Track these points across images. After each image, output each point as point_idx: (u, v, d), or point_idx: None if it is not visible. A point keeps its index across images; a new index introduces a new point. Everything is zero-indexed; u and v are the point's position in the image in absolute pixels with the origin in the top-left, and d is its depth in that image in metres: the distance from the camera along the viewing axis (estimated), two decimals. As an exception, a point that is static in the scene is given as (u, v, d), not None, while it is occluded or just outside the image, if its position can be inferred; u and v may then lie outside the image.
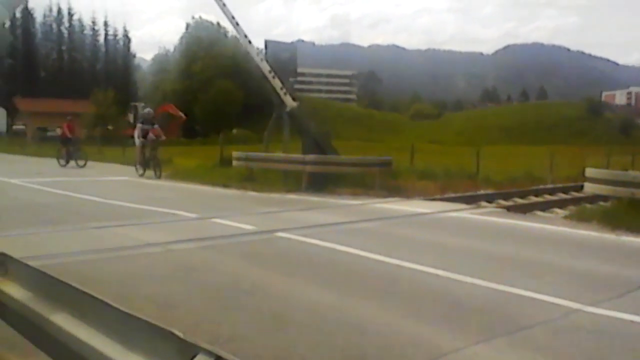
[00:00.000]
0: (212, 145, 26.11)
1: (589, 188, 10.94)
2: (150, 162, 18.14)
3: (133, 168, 19.14)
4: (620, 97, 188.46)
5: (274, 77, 16.40)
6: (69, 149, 22.86)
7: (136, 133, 18.77)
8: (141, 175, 17.92)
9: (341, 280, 5.97)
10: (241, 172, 16.21)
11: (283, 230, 8.46)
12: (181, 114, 58.34)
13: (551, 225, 9.67)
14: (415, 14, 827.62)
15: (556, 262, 6.99)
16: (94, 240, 7.68)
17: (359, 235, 8.49)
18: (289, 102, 16.33)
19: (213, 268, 6.43)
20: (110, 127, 56.11)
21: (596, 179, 10.65)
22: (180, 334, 1.70)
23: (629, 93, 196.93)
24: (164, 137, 19.53)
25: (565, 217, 10.85)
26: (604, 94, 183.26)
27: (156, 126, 18.82)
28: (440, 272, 6.15)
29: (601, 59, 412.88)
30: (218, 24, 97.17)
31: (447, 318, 4.77)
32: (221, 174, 16.78)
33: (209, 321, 4.59)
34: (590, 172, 10.97)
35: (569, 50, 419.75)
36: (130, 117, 60.90)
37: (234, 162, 16.46)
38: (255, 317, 4.71)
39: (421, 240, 8.35)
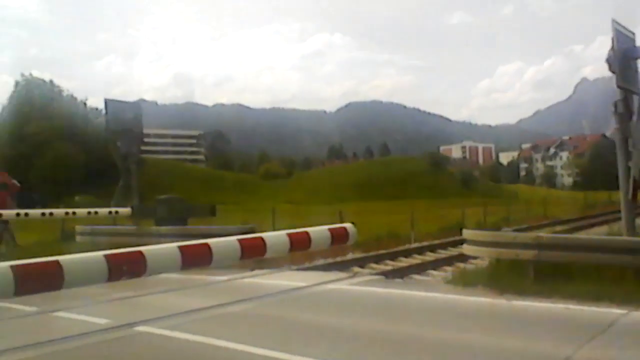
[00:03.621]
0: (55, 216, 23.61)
1: (470, 251, 10.54)
2: None
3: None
4: (456, 151, 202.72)
5: None
6: None
7: None
8: None
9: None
10: (87, 248, 14.40)
11: (144, 322, 7.09)
12: (14, 181, 53.63)
13: (436, 293, 9.07)
14: (259, 73, 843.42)
15: (464, 340, 6.26)
16: None
17: (235, 323, 7.32)
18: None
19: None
20: None
21: (476, 241, 10.26)
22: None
23: (464, 147, 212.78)
24: None
25: (448, 281, 10.33)
26: (442, 148, 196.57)
27: None
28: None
29: (435, 115, 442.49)
30: (51, 82, 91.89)
31: None
32: (64, 250, 14.82)
33: None
34: (468, 234, 10.57)
35: (405, 107, 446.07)
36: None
37: (78, 237, 14.66)
38: None
39: (307, 323, 7.31)
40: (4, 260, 11.34)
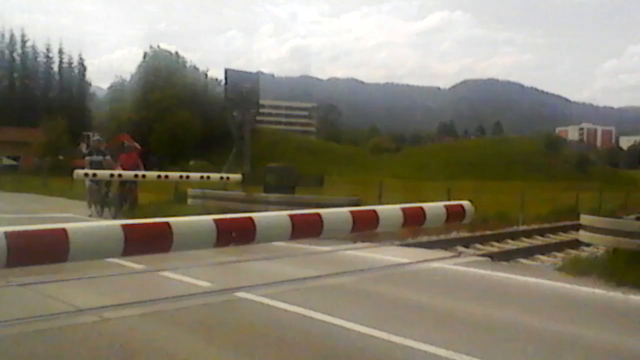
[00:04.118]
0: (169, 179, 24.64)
1: (587, 238, 9.90)
2: (107, 199, 16.59)
3: (81, 202, 17.63)
4: (572, 133, 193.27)
5: None
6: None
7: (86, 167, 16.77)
8: (100, 215, 16.12)
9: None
10: (198, 211, 14.86)
11: (244, 288, 7.16)
12: (136, 144, 56.43)
13: (545, 280, 8.57)
14: (375, 48, 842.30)
15: (573, 332, 5.84)
16: (8, 305, 6.27)
17: (335, 296, 7.24)
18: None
19: (156, 348, 5.09)
20: (61, 157, 54.10)
21: (594, 228, 9.60)
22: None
23: (581, 129, 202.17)
24: (119, 170, 17.73)
25: (559, 269, 9.77)
26: (557, 129, 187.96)
27: (108, 157, 17.03)
28: (441, 352, 4.95)
29: (553, 95, 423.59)
30: (177, 53, 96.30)
31: None
32: (176, 212, 15.38)
33: None
34: (586, 219, 9.91)
35: (522, 86, 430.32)
36: (83, 147, 58.81)
37: (189, 200, 15.16)
38: None
39: (409, 302, 7.11)
40: (126, 218, 11.89)
